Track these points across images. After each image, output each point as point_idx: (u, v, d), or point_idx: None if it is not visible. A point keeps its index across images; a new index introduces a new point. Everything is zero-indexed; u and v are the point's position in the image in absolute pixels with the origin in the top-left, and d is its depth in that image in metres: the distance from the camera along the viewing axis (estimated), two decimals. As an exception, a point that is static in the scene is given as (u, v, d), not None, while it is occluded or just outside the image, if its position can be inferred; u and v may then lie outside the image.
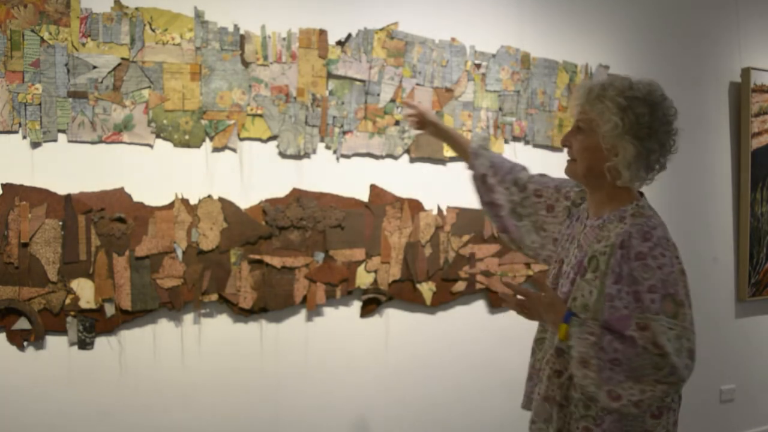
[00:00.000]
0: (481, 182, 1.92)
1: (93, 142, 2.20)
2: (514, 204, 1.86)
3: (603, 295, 1.52)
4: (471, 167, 1.95)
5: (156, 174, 2.28)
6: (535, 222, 1.83)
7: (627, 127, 1.51)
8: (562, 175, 1.75)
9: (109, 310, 2.21)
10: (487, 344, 2.95)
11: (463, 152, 2.01)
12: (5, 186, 2.09)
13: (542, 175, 1.90)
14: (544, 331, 1.74)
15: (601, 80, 1.59)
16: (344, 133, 2.58)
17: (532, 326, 3.13)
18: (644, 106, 1.53)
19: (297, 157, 2.51)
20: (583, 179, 1.63)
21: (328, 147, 2.56)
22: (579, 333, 1.52)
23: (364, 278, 2.62)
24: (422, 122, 2.06)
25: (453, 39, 2.81)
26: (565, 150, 1.66)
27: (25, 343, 2.13)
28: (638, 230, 1.52)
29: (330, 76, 2.55)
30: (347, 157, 2.61)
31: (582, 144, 1.59)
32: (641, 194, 1.66)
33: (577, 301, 1.57)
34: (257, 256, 2.41)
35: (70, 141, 2.17)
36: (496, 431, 2.99)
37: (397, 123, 2.68)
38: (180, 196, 2.31)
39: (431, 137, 2.31)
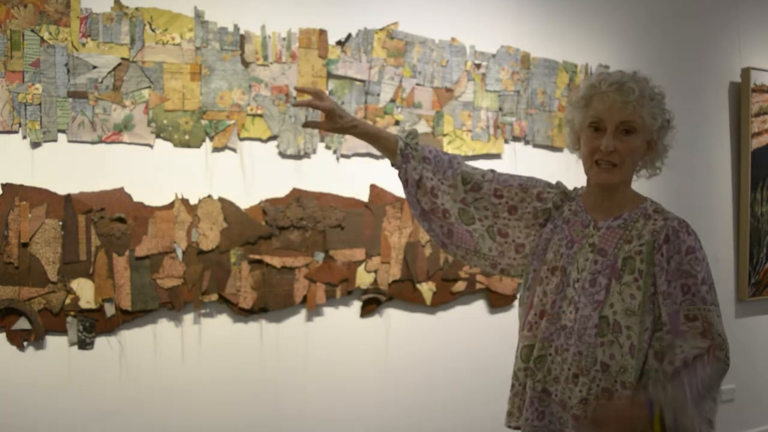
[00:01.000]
0: (416, 187, 1.62)
1: (93, 142, 2.20)
2: (465, 204, 1.64)
3: (648, 295, 1.46)
4: (399, 170, 1.63)
5: (156, 174, 2.28)
6: (492, 226, 1.64)
7: (669, 124, 1.53)
8: (559, 176, 1.69)
9: (109, 310, 2.21)
10: (487, 344, 2.95)
11: (388, 150, 1.63)
12: (5, 186, 2.09)
13: (493, 171, 1.68)
14: (543, 348, 1.56)
15: (629, 76, 1.50)
16: (344, 133, 2.58)
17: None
18: (665, 102, 1.54)
19: (297, 157, 2.51)
20: (622, 183, 1.54)
21: (328, 147, 2.56)
22: (670, 401, 1.32)
23: (364, 278, 2.62)
24: (325, 112, 1.60)
25: (453, 39, 2.81)
26: (602, 157, 1.49)
27: (25, 343, 2.13)
28: (680, 224, 1.50)
29: (330, 76, 2.55)
30: (347, 157, 2.61)
31: (632, 145, 1.48)
32: None
33: (616, 306, 1.47)
34: (257, 256, 2.41)
35: (70, 141, 2.17)
36: (496, 430, 2.99)
37: (397, 123, 2.68)
38: (180, 196, 2.31)
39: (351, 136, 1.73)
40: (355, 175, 2.61)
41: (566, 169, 3.10)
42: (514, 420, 1.63)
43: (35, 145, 2.13)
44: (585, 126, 1.51)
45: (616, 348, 1.46)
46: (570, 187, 1.70)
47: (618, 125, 1.47)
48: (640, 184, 1.62)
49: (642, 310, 1.46)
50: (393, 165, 1.65)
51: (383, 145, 1.64)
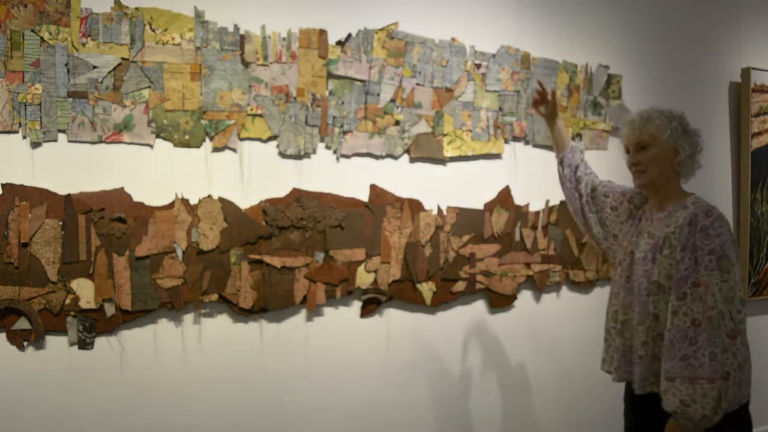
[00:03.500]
0: (572, 171, 2.35)
1: (93, 142, 2.20)
2: (588, 197, 2.31)
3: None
4: (563, 157, 2.38)
5: (156, 174, 2.28)
6: (600, 217, 2.29)
7: (680, 130, 2.00)
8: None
9: (109, 310, 2.21)
10: (487, 344, 2.95)
11: (561, 143, 2.41)
12: (5, 186, 2.09)
13: (610, 181, 2.33)
14: (627, 313, 2.06)
15: (638, 114, 2.06)
16: (344, 133, 2.58)
17: (532, 327, 3.14)
18: (677, 117, 2.03)
19: (297, 157, 2.51)
20: (653, 184, 2.04)
21: (328, 147, 2.56)
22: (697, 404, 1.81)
23: (364, 278, 2.62)
24: (545, 102, 2.41)
25: (453, 39, 2.81)
26: (631, 169, 2.05)
27: (25, 343, 2.13)
28: (702, 210, 1.92)
29: (330, 76, 2.55)
30: (347, 157, 2.61)
31: (650, 155, 2.02)
32: None
33: (662, 273, 1.93)
34: (257, 256, 2.41)
35: (70, 141, 2.17)
36: (496, 430, 2.99)
37: (397, 123, 2.68)
38: (180, 196, 2.31)
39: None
40: (355, 175, 2.61)
41: (566, 169, 3.11)
42: (606, 365, 2.15)
43: (35, 145, 2.13)
44: (624, 153, 2.13)
45: (662, 303, 1.93)
46: None
47: (635, 145, 2.05)
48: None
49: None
50: (559, 156, 2.40)
51: (561, 137, 2.41)
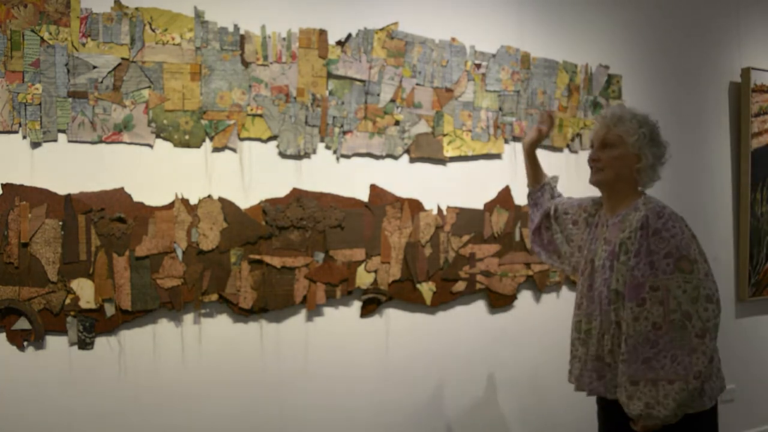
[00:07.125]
0: (544, 216, 2.29)
1: (93, 142, 2.20)
2: (552, 219, 2.27)
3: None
4: (535, 197, 2.34)
5: (156, 174, 2.28)
6: (566, 235, 2.24)
7: (647, 138, 1.96)
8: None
9: (109, 310, 2.21)
10: (487, 344, 2.95)
11: (536, 180, 2.34)
12: (5, 186, 2.09)
13: (569, 198, 2.30)
14: (589, 322, 2.01)
15: (612, 112, 2.00)
16: (344, 133, 2.58)
17: (531, 326, 3.14)
18: (649, 125, 1.99)
19: (297, 157, 2.51)
20: (609, 184, 2.00)
21: (328, 147, 2.56)
22: (646, 400, 1.82)
23: (364, 278, 2.62)
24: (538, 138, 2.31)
25: (453, 39, 2.81)
26: (590, 164, 2.01)
27: (25, 343, 2.13)
28: (652, 211, 1.89)
29: (330, 76, 2.55)
30: (347, 157, 2.61)
31: (611, 155, 1.97)
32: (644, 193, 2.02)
33: (620, 280, 1.90)
34: (257, 256, 2.41)
35: (70, 141, 2.17)
36: (495, 430, 2.99)
37: (397, 123, 2.68)
38: (180, 196, 2.31)
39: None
40: (355, 175, 2.61)
41: (565, 169, 3.11)
42: (573, 378, 2.08)
43: (35, 145, 2.13)
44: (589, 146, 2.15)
45: (622, 311, 1.89)
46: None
47: (600, 142, 2.00)
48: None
49: None
50: (532, 190, 2.35)
51: (536, 172, 2.33)
